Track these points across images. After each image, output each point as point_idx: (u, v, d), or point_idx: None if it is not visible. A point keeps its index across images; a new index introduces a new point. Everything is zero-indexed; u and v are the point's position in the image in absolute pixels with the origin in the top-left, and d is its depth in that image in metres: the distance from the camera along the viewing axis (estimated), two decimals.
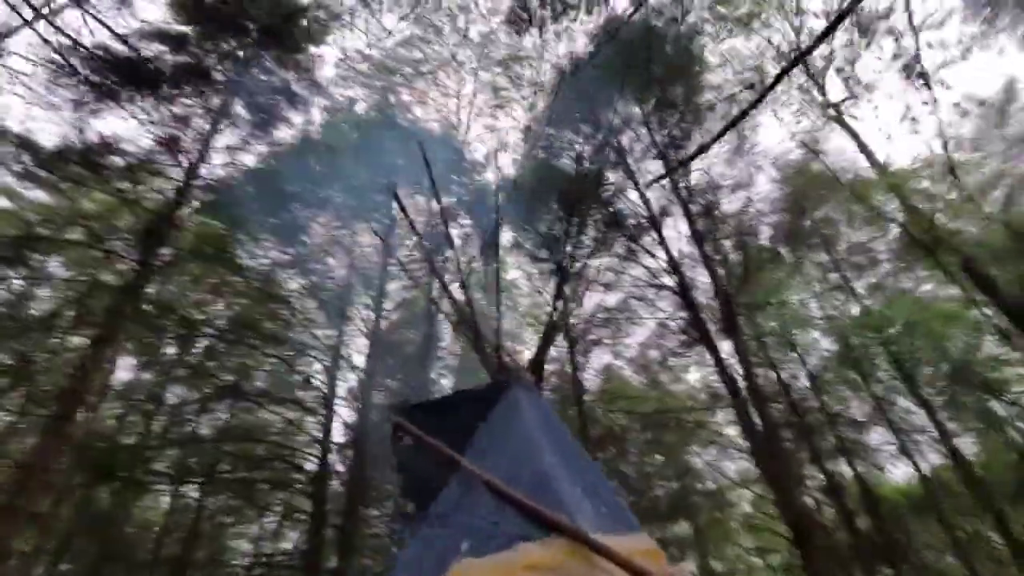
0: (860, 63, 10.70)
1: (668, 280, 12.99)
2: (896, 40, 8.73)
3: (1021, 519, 13.70)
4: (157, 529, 17.28)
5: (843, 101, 11.24)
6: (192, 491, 16.98)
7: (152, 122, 9.84)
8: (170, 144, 10.18)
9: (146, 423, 16.70)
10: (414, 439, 3.80)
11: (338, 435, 15.59)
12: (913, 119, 8.40)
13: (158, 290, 12.56)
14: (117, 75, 8.94)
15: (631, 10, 9.87)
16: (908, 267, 13.31)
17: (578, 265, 15.91)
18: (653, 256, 13.85)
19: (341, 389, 16.19)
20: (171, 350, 17.52)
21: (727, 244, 13.06)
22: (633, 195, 15.00)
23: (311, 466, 14.75)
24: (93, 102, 9.09)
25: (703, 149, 6.64)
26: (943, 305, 13.95)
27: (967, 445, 15.19)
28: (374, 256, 17.28)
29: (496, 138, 14.72)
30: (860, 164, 11.82)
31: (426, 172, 5.07)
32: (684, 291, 12.32)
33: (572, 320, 16.72)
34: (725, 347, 12.74)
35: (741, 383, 11.03)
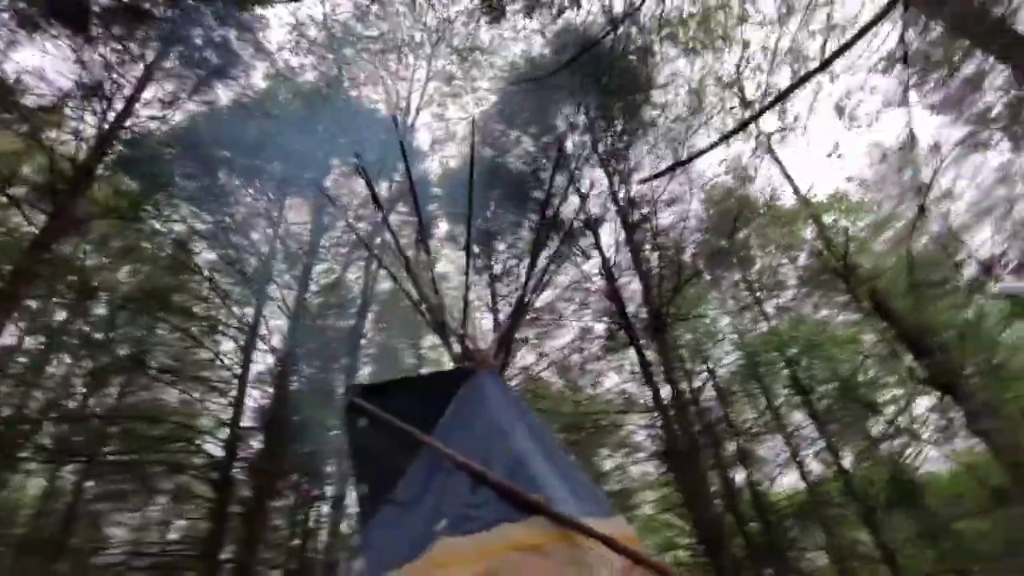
0: (794, 98, 11.50)
1: (601, 284, 13.37)
2: (832, 80, 9.50)
3: (892, 528, 15.19)
4: (29, 511, 15.62)
5: (774, 132, 12.04)
6: (73, 472, 15.47)
7: (79, 63, 8.82)
8: (94, 89, 9.19)
9: (24, 394, 15.01)
10: (372, 420, 3.66)
11: (249, 419, 14.77)
12: (839, 155, 9.17)
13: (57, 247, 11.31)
14: (43, 5, 7.95)
15: (603, 32, 10.16)
16: (821, 292, 14.47)
17: (512, 263, 16.07)
18: (588, 258, 14.23)
19: (255, 370, 15.37)
20: (61, 315, 15.90)
21: (658, 256, 13.60)
22: (574, 199, 15.34)
23: (215, 450, 13.86)
24: (11, 32, 8.03)
25: (682, 164, 6.91)
26: (838, 330, 15.34)
27: (849, 458, 16.66)
28: (302, 234, 16.53)
29: (444, 127, 14.53)
30: (785, 193, 12.76)
31: (400, 152, 4.88)
32: (616, 296, 12.72)
33: (499, 317, 16.81)
34: (649, 354, 13.33)
35: (664, 390, 11.55)
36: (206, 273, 14.84)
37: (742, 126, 6.25)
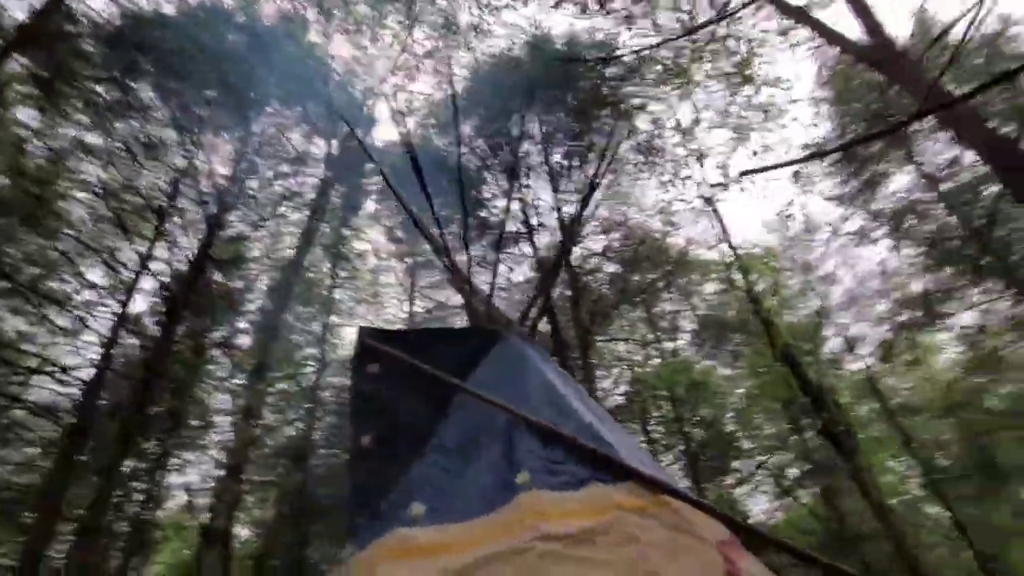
0: (736, 157, 12.58)
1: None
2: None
3: None
4: None
5: (716, 185, 13.00)
6: None
7: None
8: None
9: None
10: (389, 364, 3.43)
11: (119, 363, 12.96)
12: (790, 215, 10.14)
13: None
14: None
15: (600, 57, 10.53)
16: (734, 340, 15.69)
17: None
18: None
19: (134, 311, 13.58)
20: None
21: (590, 278, 14.01)
22: (516, 204, 15.41)
23: (71, 391, 11.96)
24: None
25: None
26: (717, 376, 16.83)
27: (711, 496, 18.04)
28: (219, 172, 14.90)
29: (406, 101, 13.97)
30: (719, 243, 13.70)
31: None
32: (550, 311, 12.87)
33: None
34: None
35: None
36: (99, 192, 12.97)
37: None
